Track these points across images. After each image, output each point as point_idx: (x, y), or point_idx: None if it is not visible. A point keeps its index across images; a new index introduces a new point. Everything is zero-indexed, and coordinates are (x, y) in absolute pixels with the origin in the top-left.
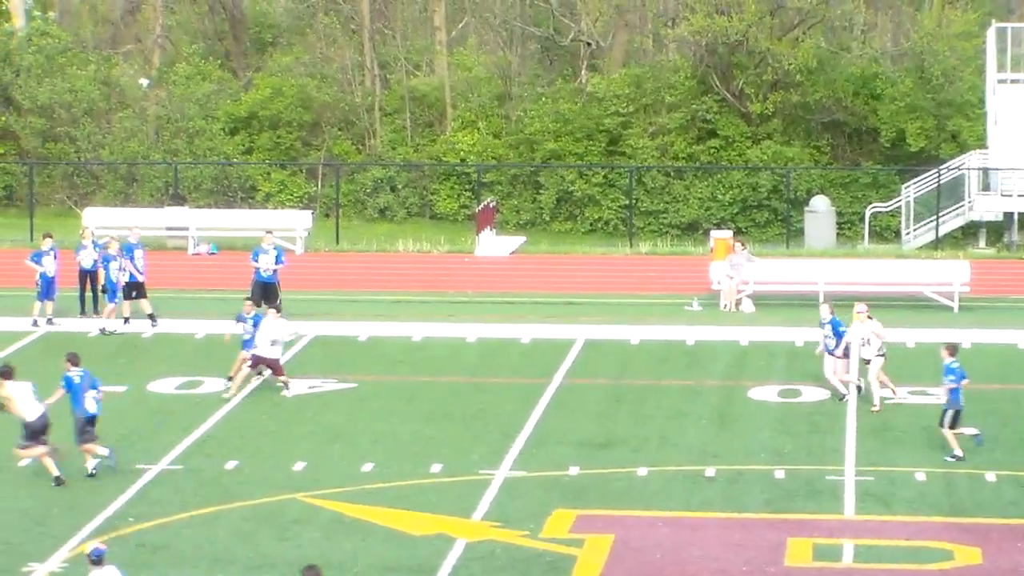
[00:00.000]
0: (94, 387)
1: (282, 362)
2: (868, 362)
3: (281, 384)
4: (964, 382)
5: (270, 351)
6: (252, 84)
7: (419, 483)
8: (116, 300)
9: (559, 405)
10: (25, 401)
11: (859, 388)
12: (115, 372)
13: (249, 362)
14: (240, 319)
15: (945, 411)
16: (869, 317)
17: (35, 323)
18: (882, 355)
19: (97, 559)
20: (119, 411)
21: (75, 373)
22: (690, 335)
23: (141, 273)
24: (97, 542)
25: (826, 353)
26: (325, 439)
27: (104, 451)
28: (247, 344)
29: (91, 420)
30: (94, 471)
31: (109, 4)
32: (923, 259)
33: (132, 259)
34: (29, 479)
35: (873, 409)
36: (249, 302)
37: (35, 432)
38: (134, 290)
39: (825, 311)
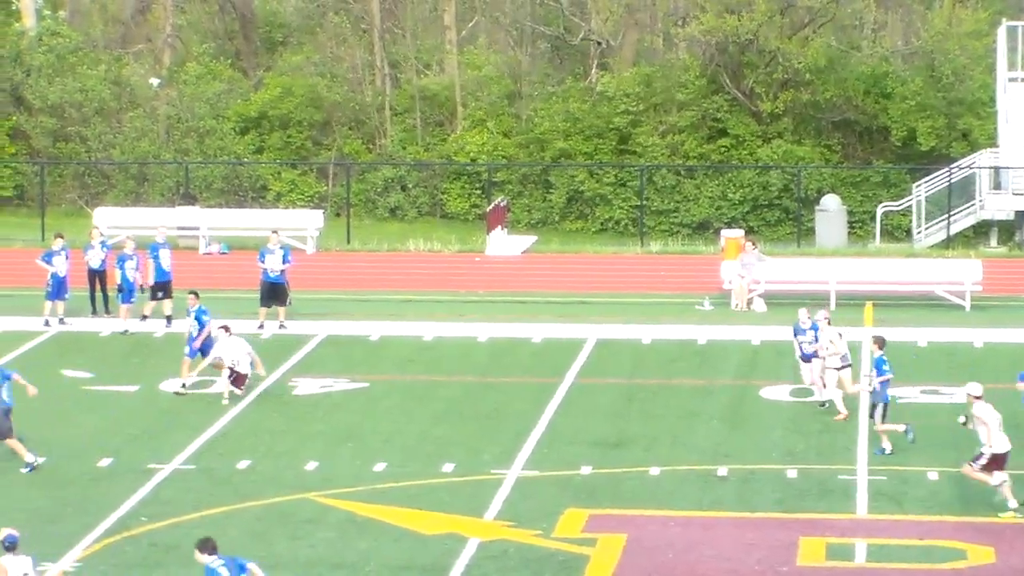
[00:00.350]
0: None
1: (292, 362)
2: (839, 370)
3: (233, 393)
4: (889, 376)
5: (242, 366)
6: (262, 84)
7: (431, 483)
8: (133, 300)
9: (570, 404)
10: None
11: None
12: (127, 372)
13: (227, 370)
14: (189, 313)
15: (874, 405)
16: (828, 323)
17: (47, 323)
18: (847, 366)
19: (10, 546)
20: (131, 411)
21: None
22: (701, 334)
23: (167, 273)
24: (11, 529)
25: (801, 359)
26: (337, 439)
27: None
28: (192, 341)
29: (8, 412)
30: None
31: (119, 3)
32: (935, 258)
33: (157, 259)
34: (42, 479)
35: (839, 417)
36: (193, 295)
37: None
38: (160, 290)
39: (804, 315)
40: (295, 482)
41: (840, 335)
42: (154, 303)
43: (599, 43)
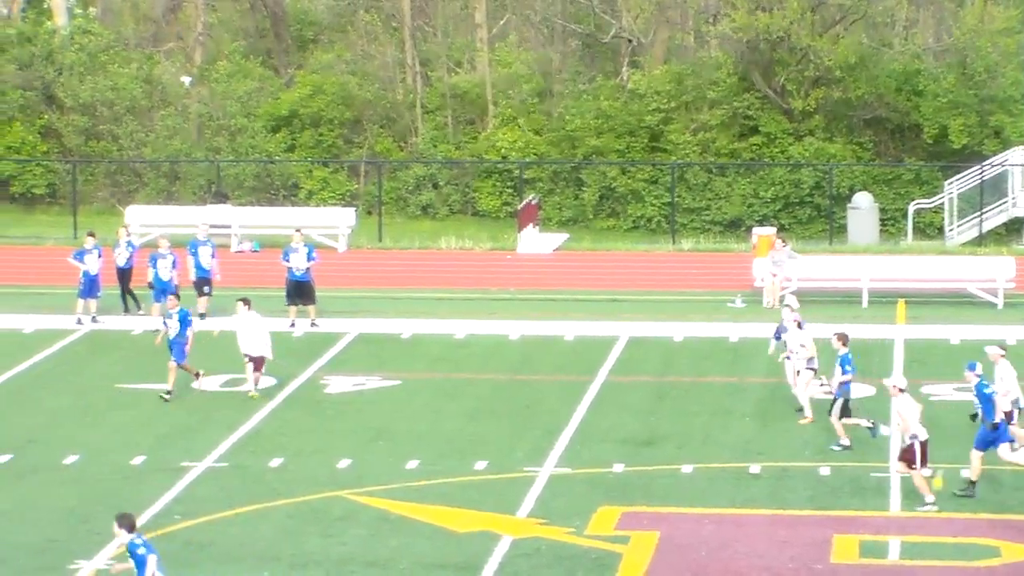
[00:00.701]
0: None
1: (324, 360)
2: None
3: (259, 384)
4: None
5: (255, 347)
6: (293, 82)
7: (463, 480)
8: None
9: (603, 402)
10: None
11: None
12: (159, 370)
13: (250, 364)
14: (168, 315)
15: (835, 400)
16: (799, 325)
17: (79, 321)
18: (812, 368)
19: None
20: (163, 409)
21: None
22: (733, 332)
23: (206, 270)
24: None
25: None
26: (369, 436)
27: None
28: (173, 343)
29: None
30: None
31: (150, 2)
32: (967, 255)
33: (196, 255)
34: (74, 477)
35: (804, 420)
36: (174, 297)
37: None
38: (205, 285)
39: (786, 314)
40: (327, 480)
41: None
42: (204, 299)
43: (630, 41)
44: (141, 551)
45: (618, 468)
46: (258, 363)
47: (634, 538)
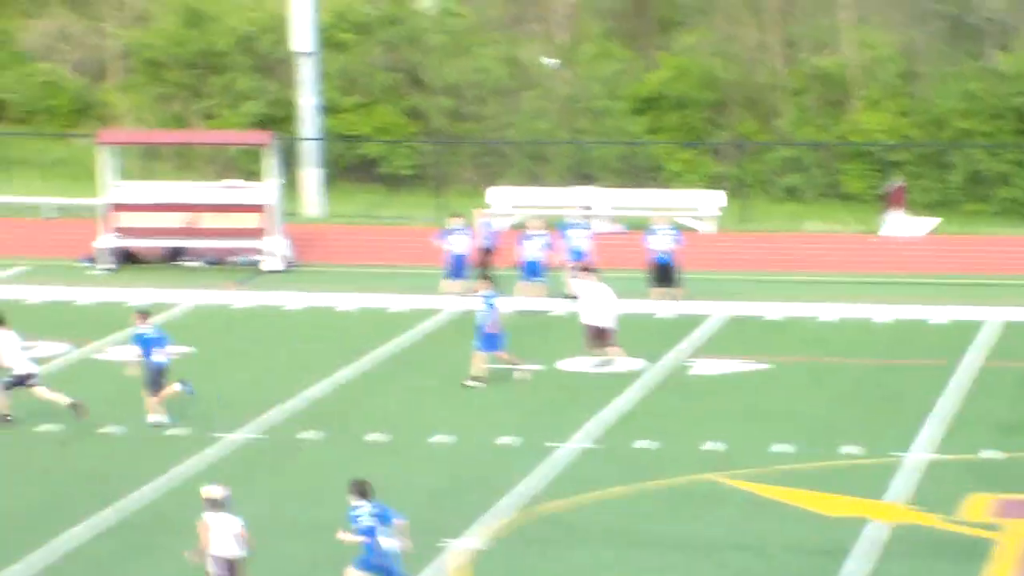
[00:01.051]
0: None
1: (690, 342)
2: None
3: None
4: None
5: (598, 318)
6: (656, 63)
7: (832, 464)
8: (536, 278)
9: (974, 387)
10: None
11: None
12: (527, 349)
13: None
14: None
15: None
16: None
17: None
18: None
19: (219, 504)
20: (529, 388)
21: None
22: None
23: (580, 253)
24: (223, 487)
25: None
26: (736, 420)
27: None
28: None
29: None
30: None
31: None
32: None
33: (569, 238)
34: (442, 456)
35: None
36: (485, 280)
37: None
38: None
39: None
40: (695, 462)
41: None
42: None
43: (997, 21)
44: (367, 521)
45: (990, 454)
46: (604, 336)
47: (1009, 526)
